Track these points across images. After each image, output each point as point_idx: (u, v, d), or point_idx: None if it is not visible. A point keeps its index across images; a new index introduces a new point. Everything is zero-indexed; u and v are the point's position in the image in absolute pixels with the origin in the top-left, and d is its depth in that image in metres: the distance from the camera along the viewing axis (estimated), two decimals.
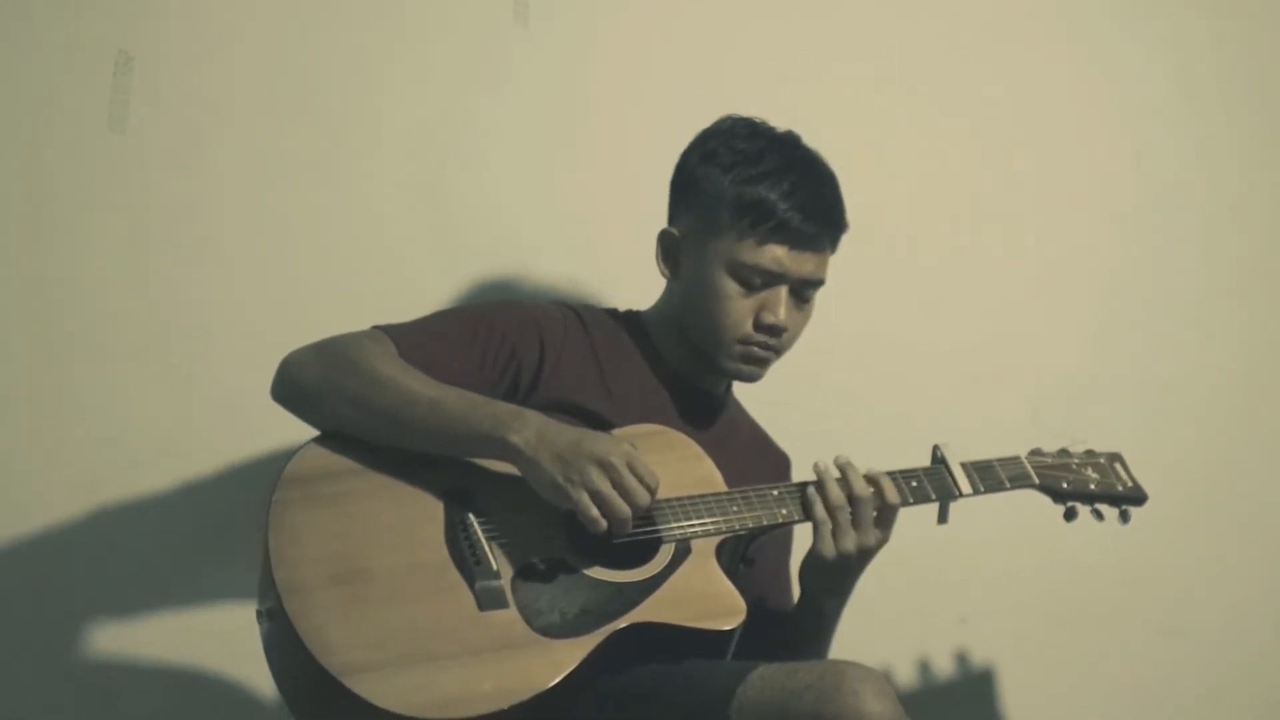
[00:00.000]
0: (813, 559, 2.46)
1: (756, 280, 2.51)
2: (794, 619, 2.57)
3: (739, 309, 2.51)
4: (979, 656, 3.16)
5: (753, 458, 2.67)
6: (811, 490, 2.43)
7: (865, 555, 2.44)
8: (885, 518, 2.44)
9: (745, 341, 2.53)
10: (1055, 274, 3.24)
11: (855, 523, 2.43)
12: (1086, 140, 3.25)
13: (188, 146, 2.92)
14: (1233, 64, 3.31)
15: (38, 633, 2.84)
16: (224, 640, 2.85)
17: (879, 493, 2.43)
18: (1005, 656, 3.17)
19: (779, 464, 2.72)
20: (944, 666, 3.15)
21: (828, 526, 2.42)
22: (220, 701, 2.88)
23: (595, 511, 2.29)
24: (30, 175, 2.87)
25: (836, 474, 2.44)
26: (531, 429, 2.32)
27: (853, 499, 2.42)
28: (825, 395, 3.10)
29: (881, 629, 3.11)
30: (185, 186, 2.92)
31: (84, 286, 2.88)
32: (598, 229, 3.02)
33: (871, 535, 2.43)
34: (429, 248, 2.99)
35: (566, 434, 2.33)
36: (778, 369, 2.60)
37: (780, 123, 2.62)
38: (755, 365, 2.56)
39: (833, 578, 2.48)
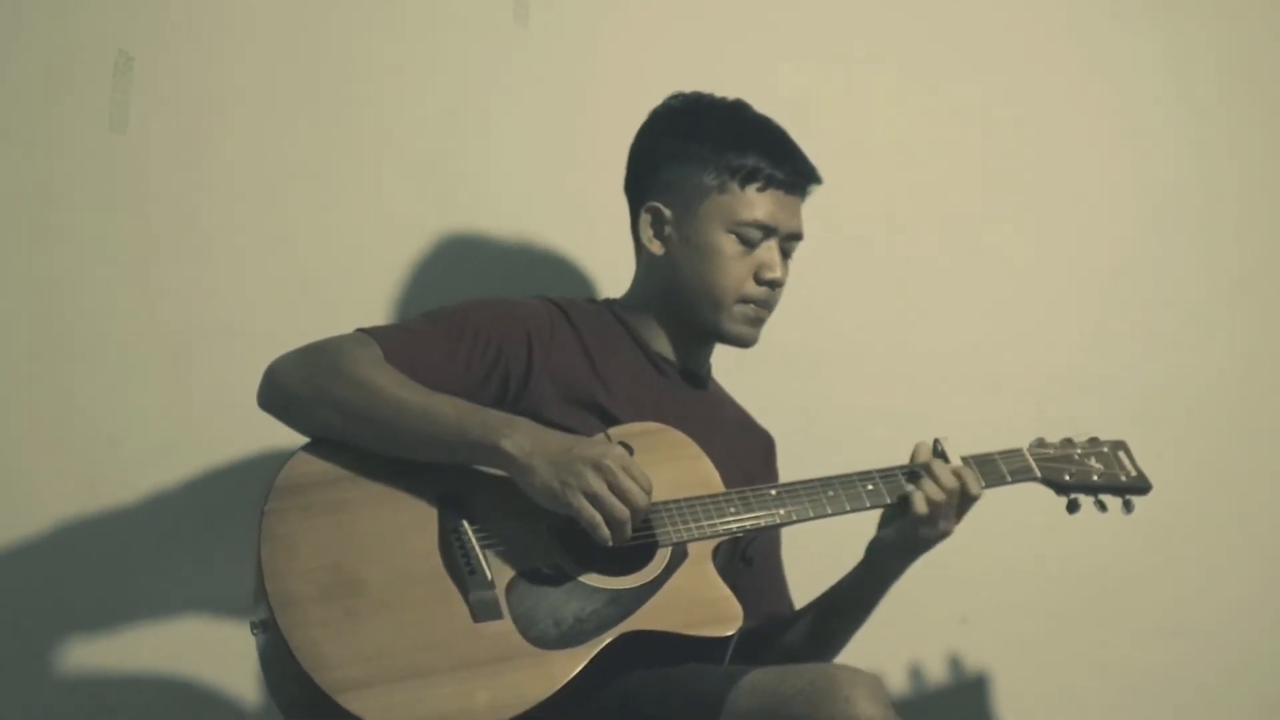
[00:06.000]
0: (898, 542, 2.50)
1: (755, 235, 2.55)
2: (850, 593, 2.58)
3: (739, 268, 2.56)
4: (980, 656, 3.15)
5: (742, 438, 2.70)
6: (917, 481, 2.46)
7: (944, 537, 2.50)
8: (965, 508, 2.50)
9: (745, 300, 2.57)
10: (1054, 274, 3.23)
11: (953, 511, 2.47)
12: (1085, 140, 3.25)
13: (188, 146, 2.92)
14: (1231, 64, 3.30)
15: (37, 633, 2.83)
16: (224, 642, 2.85)
17: (964, 487, 2.47)
18: (1006, 656, 3.16)
19: (766, 445, 2.75)
20: (945, 666, 3.14)
21: (924, 516, 2.45)
22: (219, 703, 2.88)
23: (594, 514, 2.29)
24: (30, 176, 2.87)
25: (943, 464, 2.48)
26: (524, 435, 2.32)
27: (949, 492, 2.46)
28: (827, 395, 3.10)
29: (881, 629, 3.10)
30: (185, 186, 2.92)
31: (84, 287, 2.88)
32: (597, 228, 3.01)
33: (954, 523, 2.49)
34: (429, 247, 2.99)
35: (559, 439, 2.33)
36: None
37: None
38: (753, 326, 2.59)
39: (912, 557, 2.53)
